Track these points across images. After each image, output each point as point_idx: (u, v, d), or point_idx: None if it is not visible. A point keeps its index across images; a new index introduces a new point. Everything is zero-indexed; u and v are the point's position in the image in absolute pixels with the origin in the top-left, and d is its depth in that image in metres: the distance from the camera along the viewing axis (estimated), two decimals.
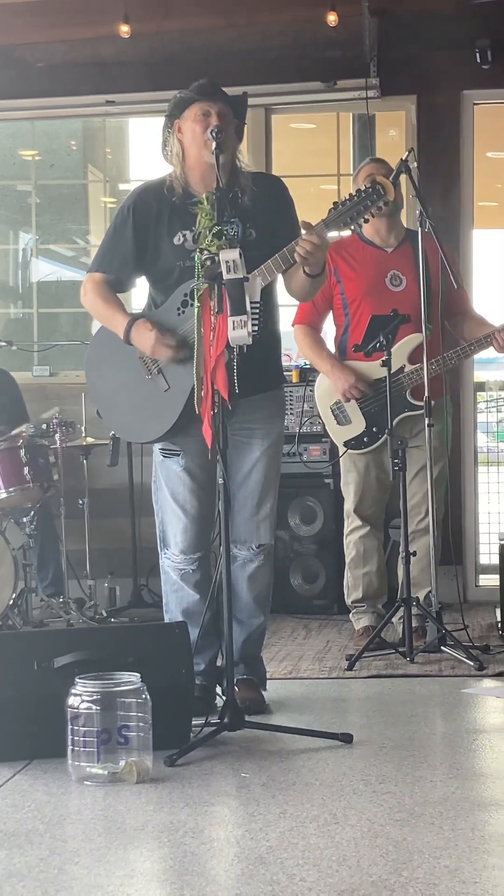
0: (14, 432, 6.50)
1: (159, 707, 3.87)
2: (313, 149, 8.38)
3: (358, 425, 5.87)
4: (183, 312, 4.47)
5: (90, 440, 6.82)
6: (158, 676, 4.01)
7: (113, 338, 4.59)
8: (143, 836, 3.33)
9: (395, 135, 7.86)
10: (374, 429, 5.83)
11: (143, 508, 7.16)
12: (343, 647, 5.92)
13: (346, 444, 5.91)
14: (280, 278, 4.56)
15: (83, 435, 6.81)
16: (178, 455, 4.62)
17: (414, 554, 5.64)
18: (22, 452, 6.38)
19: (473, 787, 3.71)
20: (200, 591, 4.66)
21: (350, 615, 6.10)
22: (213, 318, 4.14)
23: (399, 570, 5.84)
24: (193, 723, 4.17)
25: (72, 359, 7.78)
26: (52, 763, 3.94)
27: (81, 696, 3.81)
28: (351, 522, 6.00)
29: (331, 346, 6.05)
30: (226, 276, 4.01)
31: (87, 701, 3.80)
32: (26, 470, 6.38)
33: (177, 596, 4.72)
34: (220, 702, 4.45)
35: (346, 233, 5.64)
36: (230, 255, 4.02)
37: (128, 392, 4.63)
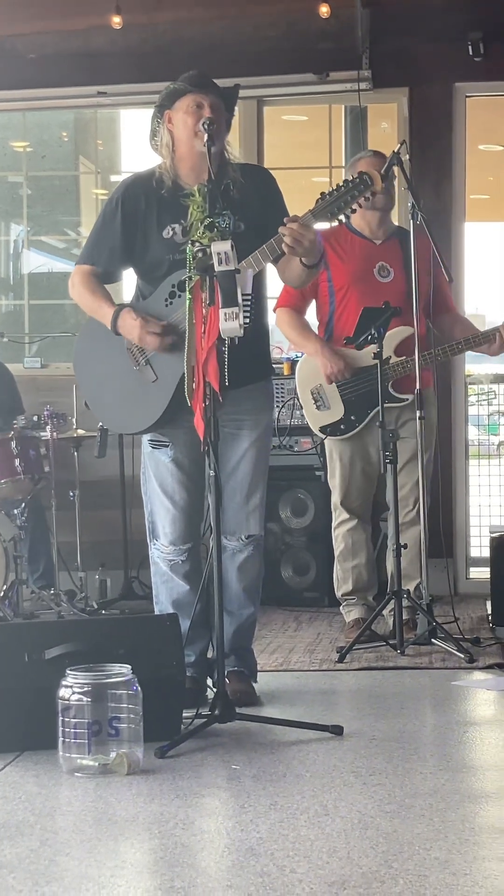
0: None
1: (150, 699, 3.88)
2: (305, 141, 8.36)
3: (336, 412, 5.88)
4: (171, 303, 4.47)
5: (81, 432, 6.81)
6: (149, 668, 4.01)
7: (101, 329, 4.59)
8: (133, 827, 3.33)
9: (386, 127, 7.85)
10: (352, 417, 5.85)
11: (134, 500, 7.11)
12: (334, 640, 5.92)
13: (323, 429, 5.91)
14: (273, 269, 4.56)
15: (74, 427, 6.80)
16: (167, 446, 4.62)
17: (405, 546, 5.65)
18: (13, 444, 6.38)
19: (463, 780, 3.71)
20: (190, 582, 4.66)
21: (340, 608, 6.10)
22: (203, 309, 4.14)
23: (388, 563, 5.85)
24: (184, 715, 4.17)
25: (63, 350, 7.78)
26: (42, 755, 3.94)
27: (72, 688, 3.81)
28: (339, 515, 6.01)
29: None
30: (217, 267, 4.01)
31: (78, 693, 3.80)
32: (17, 462, 6.38)
33: (167, 587, 4.73)
34: (210, 694, 4.45)
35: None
36: (222, 247, 4.02)
37: (115, 383, 4.63)
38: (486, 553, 6.51)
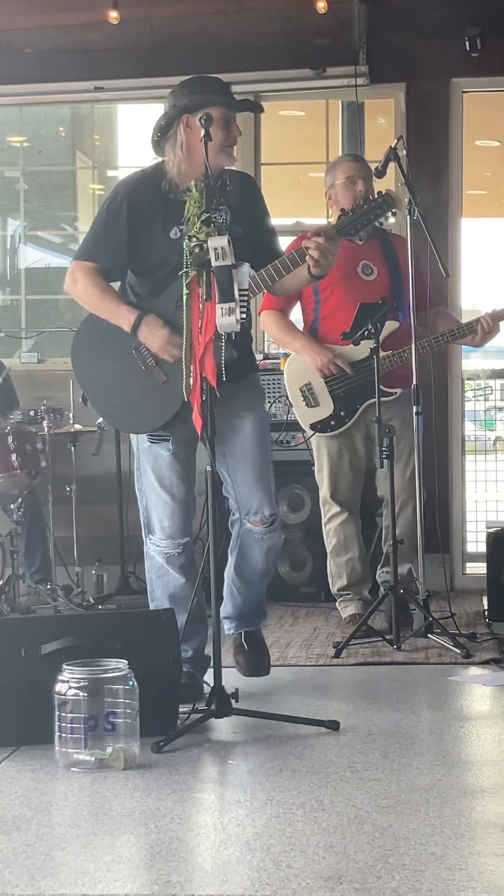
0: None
1: (146, 694, 3.88)
2: (302, 136, 8.36)
3: (326, 408, 5.90)
4: (180, 305, 4.46)
5: (78, 427, 6.81)
6: (146, 663, 4.02)
7: (102, 326, 4.57)
8: (129, 822, 3.33)
9: (383, 122, 7.85)
10: (341, 413, 5.87)
11: (130, 496, 7.07)
12: (330, 635, 5.93)
13: (313, 426, 5.93)
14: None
15: (71, 422, 6.80)
16: (168, 440, 4.61)
17: (401, 542, 5.66)
18: (10, 439, 6.39)
19: (460, 775, 3.72)
20: (186, 575, 4.68)
21: (336, 604, 6.10)
22: (200, 305, 4.14)
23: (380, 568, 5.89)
24: (181, 710, 4.17)
25: (60, 345, 7.77)
26: (39, 749, 3.95)
27: (69, 683, 3.82)
28: (329, 510, 6.02)
29: None
30: (214, 263, 4.01)
31: (75, 687, 3.80)
32: (14, 457, 6.39)
33: (162, 581, 4.73)
34: (207, 690, 4.45)
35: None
36: (218, 242, 4.02)
37: (121, 382, 4.61)
38: (483, 549, 6.52)
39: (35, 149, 8.51)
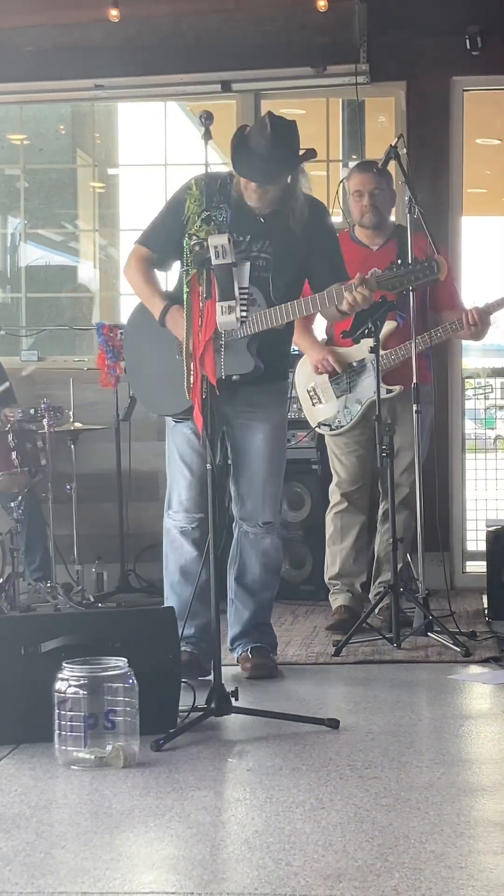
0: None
1: (146, 692, 3.88)
2: (302, 134, 8.33)
3: (331, 407, 5.99)
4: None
5: (78, 425, 6.81)
6: (145, 661, 4.02)
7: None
8: (129, 820, 3.34)
9: (384, 121, 7.85)
10: (346, 410, 5.98)
11: (131, 494, 7.16)
12: (330, 633, 5.92)
13: (320, 425, 6.07)
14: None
15: (71, 420, 6.80)
16: (190, 419, 4.73)
17: (401, 540, 5.68)
18: (10, 437, 6.39)
19: (459, 773, 3.72)
20: (198, 549, 4.86)
21: (329, 595, 6.16)
22: (201, 302, 4.16)
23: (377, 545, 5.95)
24: (180, 708, 4.17)
25: (60, 344, 7.77)
26: (38, 747, 3.95)
27: (68, 681, 3.82)
28: (332, 500, 6.14)
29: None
30: (214, 261, 4.02)
31: (74, 685, 3.80)
32: (14, 455, 6.39)
33: (175, 553, 4.94)
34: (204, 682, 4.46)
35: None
36: (219, 241, 4.03)
37: (157, 364, 4.87)
38: (483, 547, 6.54)
39: (35, 147, 8.50)
